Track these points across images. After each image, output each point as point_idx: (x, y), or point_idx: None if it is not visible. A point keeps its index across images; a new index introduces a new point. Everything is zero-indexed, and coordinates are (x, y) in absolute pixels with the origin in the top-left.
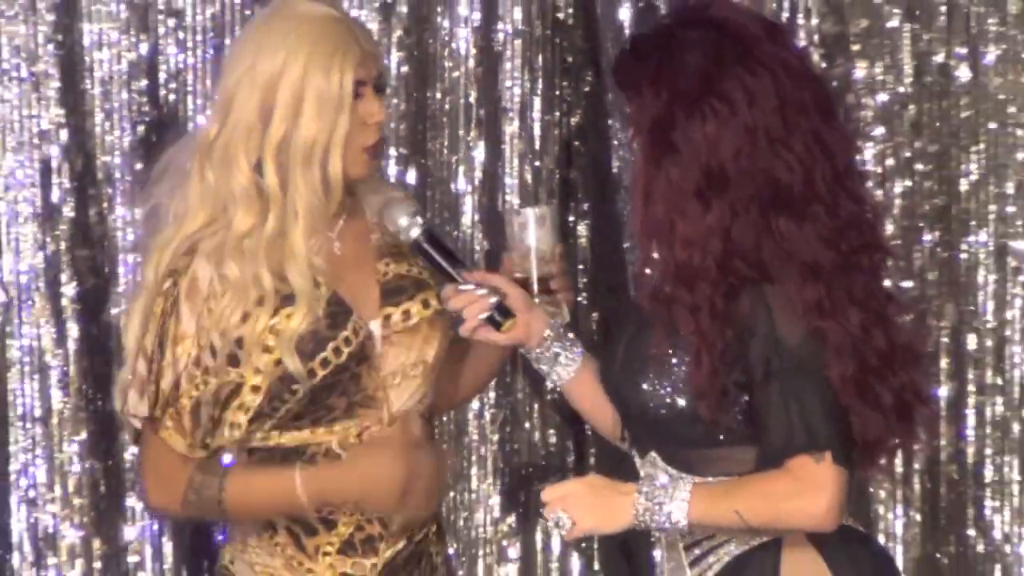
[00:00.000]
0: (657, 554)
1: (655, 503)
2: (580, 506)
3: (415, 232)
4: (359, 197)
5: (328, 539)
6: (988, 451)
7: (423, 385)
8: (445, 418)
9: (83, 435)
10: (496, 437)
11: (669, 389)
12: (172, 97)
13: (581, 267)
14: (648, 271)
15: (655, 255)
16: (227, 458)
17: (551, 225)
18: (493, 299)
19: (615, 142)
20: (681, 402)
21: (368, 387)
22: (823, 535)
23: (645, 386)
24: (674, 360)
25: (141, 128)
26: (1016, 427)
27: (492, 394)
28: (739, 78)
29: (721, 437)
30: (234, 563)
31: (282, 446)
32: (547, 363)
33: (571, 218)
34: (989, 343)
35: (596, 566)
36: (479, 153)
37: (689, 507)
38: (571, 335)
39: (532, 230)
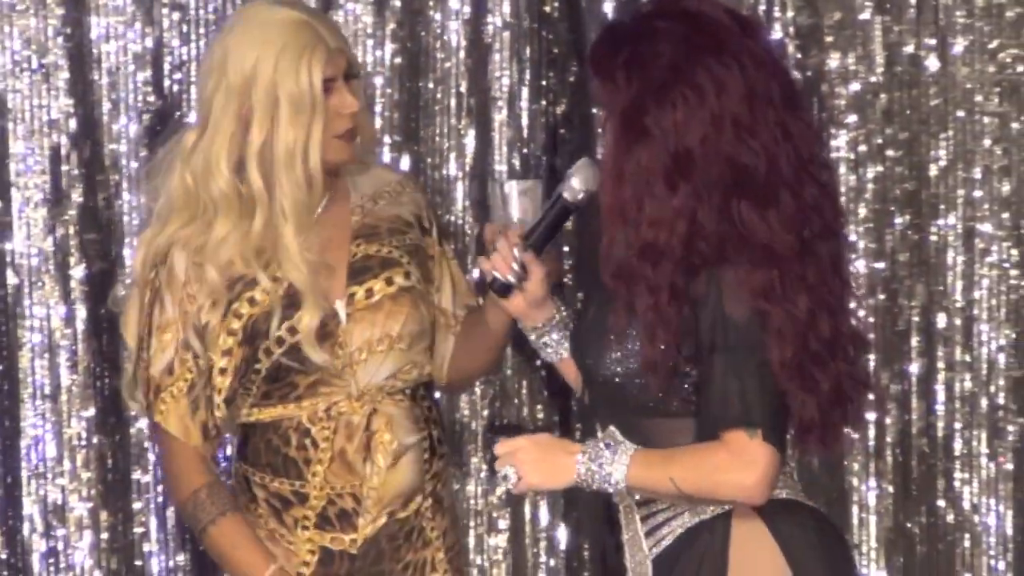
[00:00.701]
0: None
1: (597, 464)
2: (527, 462)
3: (567, 194)
4: (346, 179)
5: (304, 511)
6: (957, 425)
7: (393, 360)
8: (437, 395)
9: (91, 412)
10: (487, 412)
11: (629, 361)
12: (176, 87)
13: (567, 248)
14: (613, 250)
15: (621, 234)
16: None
17: (535, 198)
18: (510, 278)
19: (599, 130)
20: (636, 373)
21: (332, 365)
22: (770, 508)
23: (606, 356)
24: (632, 334)
25: (146, 117)
26: (984, 402)
27: None
28: (709, 69)
29: (674, 407)
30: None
31: (261, 421)
32: (536, 346)
33: None
34: (958, 322)
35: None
36: (470, 140)
37: (627, 470)
38: (567, 330)
39: (516, 202)
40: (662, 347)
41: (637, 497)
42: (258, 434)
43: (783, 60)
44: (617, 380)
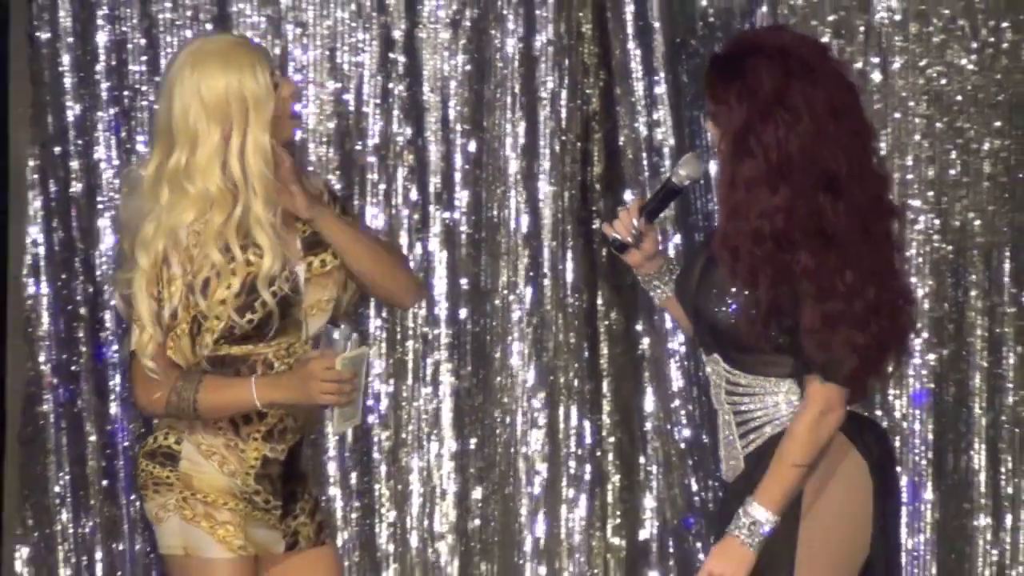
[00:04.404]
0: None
1: (753, 538)
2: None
3: (675, 179)
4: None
5: (257, 427)
6: None
7: (326, 315)
8: (494, 322)
9: None
10: (530, 338)
11: (732, 309)
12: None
13: (594, 209)
14: (728, 234)
15: (734, 223)
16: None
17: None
18: (629, 239)
19: (621, 123)
20: (736, 320)
21: (296, 315)
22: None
23: (713, 305)
24: (734, 289)
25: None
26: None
27: (528, 304)
28: (802, 92)
29: (765, 346)
30: (181, 443)
31: (231, 355)
32: (648, 288)
33: (589, 179)
34: None
35: (604, 432)
36: (521, 130)
37: (766, 511)
38: (671, 276)
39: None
40: (763, 309)
41: (732, 407)
42: (228, 364)
43: (849, 75)
44: (721, 324)
